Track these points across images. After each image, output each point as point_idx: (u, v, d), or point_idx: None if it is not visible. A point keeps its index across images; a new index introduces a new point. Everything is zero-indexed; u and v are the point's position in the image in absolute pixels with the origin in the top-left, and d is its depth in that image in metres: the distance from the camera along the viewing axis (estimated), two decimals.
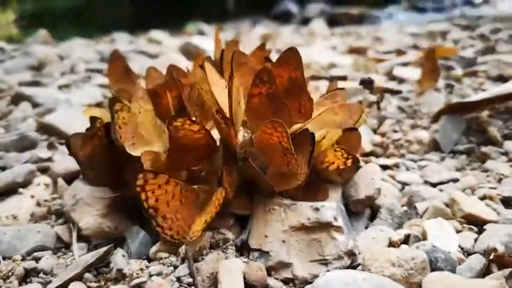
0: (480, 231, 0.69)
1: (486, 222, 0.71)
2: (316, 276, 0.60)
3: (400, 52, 1.99)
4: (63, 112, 1.23)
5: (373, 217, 0.75)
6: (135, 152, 0.68)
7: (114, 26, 3.35)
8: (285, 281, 0.62)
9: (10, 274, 0.64)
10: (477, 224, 0.71)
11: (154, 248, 0.66)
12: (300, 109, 0.67)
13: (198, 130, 0.65)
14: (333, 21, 3.70)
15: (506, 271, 0.57)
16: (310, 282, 0.60)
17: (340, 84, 1.46)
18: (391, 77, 1.58)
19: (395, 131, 1.11)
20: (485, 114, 1.12)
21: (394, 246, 0.65)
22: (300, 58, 0.67)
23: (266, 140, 0.67)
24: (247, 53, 0.78)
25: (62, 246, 0.73)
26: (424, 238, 0.67)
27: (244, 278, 0.59)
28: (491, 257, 0.61)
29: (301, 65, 0.67)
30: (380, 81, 1.53)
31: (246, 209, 0.70)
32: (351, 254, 0.63)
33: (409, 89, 1.41)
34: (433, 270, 0.58)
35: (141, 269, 0.62)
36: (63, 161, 0.93)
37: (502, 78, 1.45)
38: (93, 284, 0.62)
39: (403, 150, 1.02)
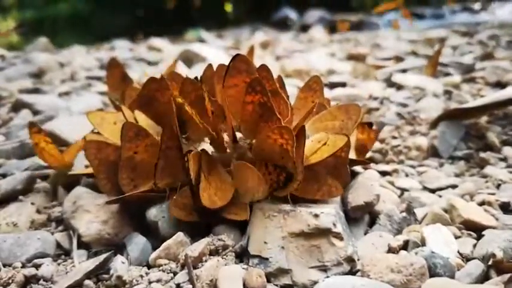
0: (479, 237, 0.69)
1: (485, 227, 0.71)
2: (315, 283, 0.60)
3: (398, 59, 2.00)
4: (64, 119, 1.23)
5: (372, 223, 0.75)
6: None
7: (115, 33, 3.37)
8: None
9: (10, 281, 0.64)
10: (476, 229, 0.71)
11: (154, 255, 0.66)
12: (279, 112, 0.72)
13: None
14: (332, 28, 3.72)
15: (505, 276, 0.58)
16: None
17: (339, 90, 1.47)
18: (389, 83, 1.59)
19: (394, 137, 1.11)
20: (483, 120, 1.13)
21: (393, 252, 0.65)
22: (270, 72, 0.75)
23: (269, 144, 0.67)
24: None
25: (62, 253, 0.73)
26: (423, 244, 0.67)
27: (244, 284, 0.59)
28: (490, 262, 0.61)
29: (272, 78, 0.75)
30: (379, 88, 1.53)
31: (242, 215, 0.70)
32: (350, 260, 0.63)
33: (407, 95, 1.41)
34: (432, 276, 0.59)
35: (141, 276, 0.62)
36: None
37: (500, 84, 1.46)
38: None
39: (402, 156, 1.03)
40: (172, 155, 0.72)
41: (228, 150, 0.75)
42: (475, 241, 0.68)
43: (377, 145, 1.07)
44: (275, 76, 0.77)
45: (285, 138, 0.65)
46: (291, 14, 5.05)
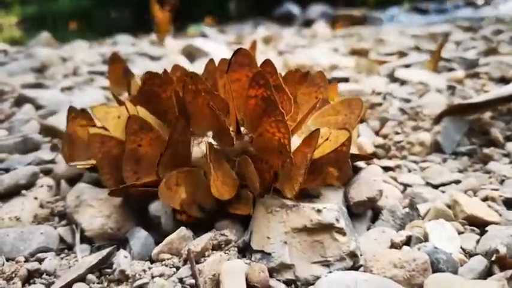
0: (482, 233, 0.69)
1: (488, 223, 0.71)
2: (318, 278, 0.60)
3: (402, 54, 1.99)
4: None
5: (375, 218, 0.75)
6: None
7: (117, 28, 3.36)
8: (287, 283, 0.62)
9: (13, 275, 0.64)
10: (479, 225, 0.71)
11: (156, 250, 0.66)
12: (282, 107, 0.71)
13: None
14: (335, 23, 3.71)
15: (508, 272, 0.57)
16: (312, 284, 0.60)
17: (342, 86, 1.47)
18: (393, 78, 1.58)
19: (397, 133, 1.11)
20: (487, 115, 1.12)
21: (396, 248, 0.65)
22: (274, 67, 0.74)
23: (268, 138, 0.67)
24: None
25: (65, 248, 0.74)
26: (426, 239, 0.67)
27: (247, 279, 0.59)
28: (493, 258, 0.61)
29: (276, 73, 0.74)
30: (382, 83, 1.53)
31: (245, 209, 0.70)
32: (353, 255, 0.63)
33: (411, 90, 1.41)
34: (434, 271, 0.59)
35: (144, 270, 0.62)
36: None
37: (504, 80, 1.45)
38: (96, 285, 0.62)
39: (405, 151, 1.03)
40: (180, 148, 0.72)
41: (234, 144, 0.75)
42: (478, 237, 0.68)
43: (380, 140, 1.07)
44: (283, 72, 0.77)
45: (282, 132, 0.65)
46: (294, 9, 5.03)
